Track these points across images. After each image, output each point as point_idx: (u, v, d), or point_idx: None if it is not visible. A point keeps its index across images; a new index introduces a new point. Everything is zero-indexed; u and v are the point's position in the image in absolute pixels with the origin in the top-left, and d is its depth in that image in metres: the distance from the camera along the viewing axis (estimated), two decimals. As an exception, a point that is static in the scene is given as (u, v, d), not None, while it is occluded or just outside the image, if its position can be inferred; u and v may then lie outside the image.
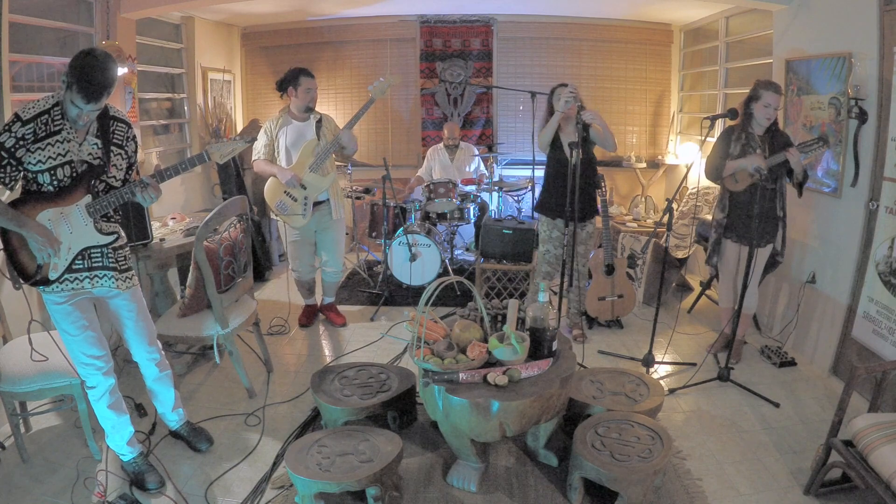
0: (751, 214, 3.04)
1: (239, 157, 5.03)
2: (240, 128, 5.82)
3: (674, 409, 3.00)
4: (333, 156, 3.68)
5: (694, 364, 3.39)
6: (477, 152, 5.37)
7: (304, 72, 3.59)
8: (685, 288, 4.72)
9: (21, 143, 2.00)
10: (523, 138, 5.85)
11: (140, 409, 2.94)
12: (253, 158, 3.70)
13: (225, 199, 4.31)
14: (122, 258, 2.33)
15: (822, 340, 3.40)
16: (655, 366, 3.41)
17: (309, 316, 4.12)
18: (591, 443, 2.30)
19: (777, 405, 3.02)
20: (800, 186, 3.13)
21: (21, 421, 2.63)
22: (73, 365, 2.38)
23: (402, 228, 4.49)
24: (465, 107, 5.84)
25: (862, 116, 3.01)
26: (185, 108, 5.09)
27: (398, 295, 4.60)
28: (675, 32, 5.71)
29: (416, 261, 4.48)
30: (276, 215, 3.71)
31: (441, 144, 5.35)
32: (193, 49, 5.00)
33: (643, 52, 5.75)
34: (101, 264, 2.26)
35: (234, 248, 3.06)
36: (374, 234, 5.01)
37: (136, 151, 2.33)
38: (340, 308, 4.23)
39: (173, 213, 3.96)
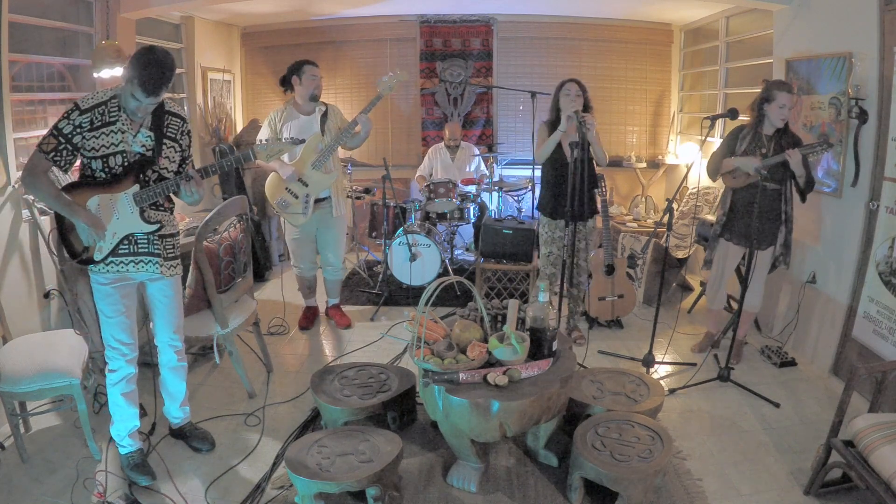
0: (751, 214, 3.03)
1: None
2: (240, 128, 5.82)
3: (674, 410, 3.00)
4: (340, 147, 3.64)
5: (694, 364, 3.39)
6: (477, 152, 5.36)
7: (307, 61, 3.59)
8: (685, 288, 4.72)
9: (78, 130, 2.13)
10: (523, 138, 5.84)
11: (140, 409, 2.94)
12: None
13: (225, 199, 4.31)
14: (171, 247, 2.44)
15: (823, 340, 3.40)
16: (655, 366, 3.41)
17: (310, 319, 4.10)
18: (592, 443, 2.30)
19: (777, 405, 3.02)
20: (801, 193, 3.09)
21: (21, 421, 2.63)
22: (76, 370, 2.41)
23: (402, 228, 4.49)
24: (465, 107, 5.84)
25: (862, 116, 3.01)
26: (185, 107, 5.08)
27: (398, 295, 4.59)
28: (675, 32, 5.71)
29: (416, 261, 4.48)
30: (277, 212, 3.70)
31: (442, 144, 5.35)
32: (193, 49, 5.00)
33: (643, 51, 5.75)
34: (146, 250, 2.35)
35: (233, 248, 3.06)
36: (374, 234, 5.01)
37: (189, 145, 2.42)
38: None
39: (173, 213, 3.95)
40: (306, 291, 4.07)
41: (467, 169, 5.30)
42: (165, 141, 2.31)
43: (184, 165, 2.41)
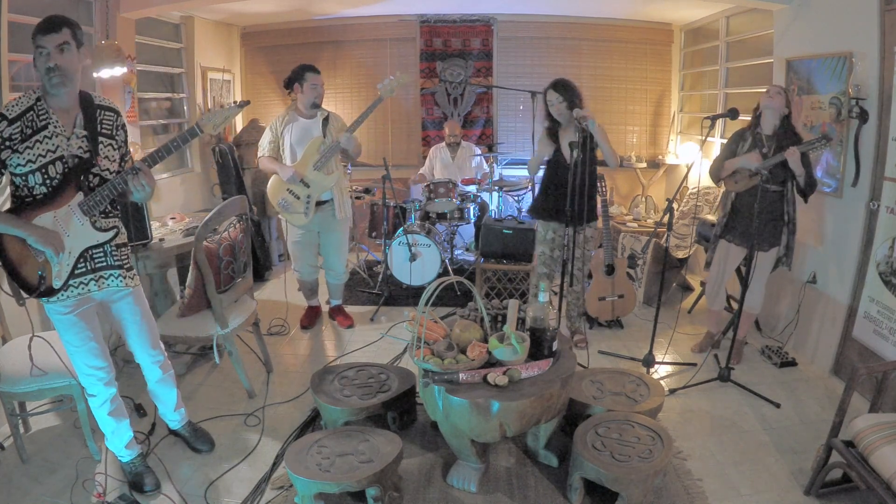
0: (752, 215, 3.03)
1: (239, 156, 5.02)
2: (239, 127, 5.82)
3: (674, 410, 2.99)
4: (339, 154, 3.65)
5: (694, 364, 3.38)
6: (478, 151, 5.36)
7: (310, 68, 3.56)
8: (685, 288, 4.72)
9: (7, 143, 1.94)
10: (523, 138, 5.84)
11: (140, 410, 2.94)
12: (258, 155, 3.70)
13: (224, 199, 4.31)
14: (125, 256, 2.28)
15: (823, 341, 3.40)
16: (656, 366, 3.41)
17: (311, 318, 4.10)
18: (592, 443, 2.29)
19: (778, 405, 3.01)
20: (803, 193, 3.07)
21: (20, 421, 2.63)
22: (75, 372, 2.36)
23: (402, 228, 4.49)
24: (465, 107, 5.84)
25: (862, 116, 3.01)
26: (185, 107, 5.08)
27: (398, 295, 4.59)
28: (675, 32, 5.71)
29: (416, 261, 4.48)
30: (278, 213, 3.70)
31: (443, 143, 5.34)
32: (193, 49, 5.00)
33: (643, 51, 5.75)
34: (105, 263, 2.19)
35: (233, 248, 3.05)
36: (374, 234, 5.00)
37: (126, 140, 2.24)
38: (340, 308, 4.22)
39: (172, 213, 3.95)
40: (308, 293, 4.07)
41: (467, 168, 5.30)
42: (101, 139, 2.10)
43: (123, 164, 2.22)
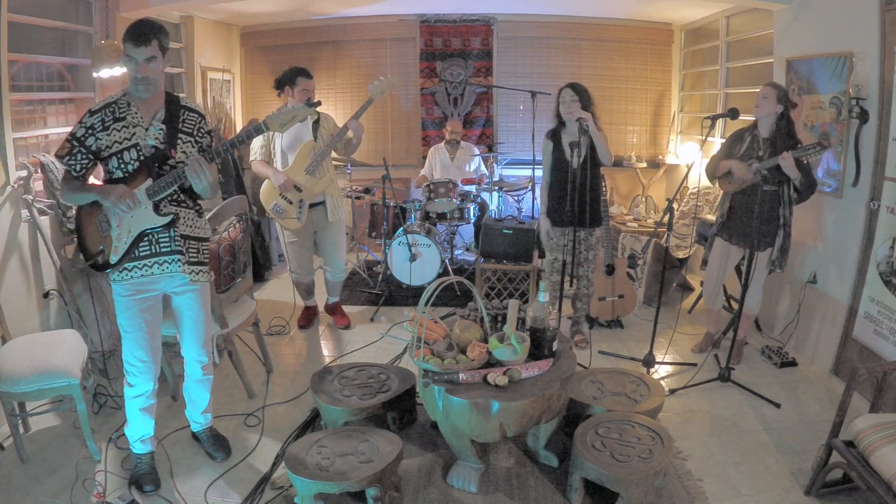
0: (750, 215, 3.02)
1: (238, 156, 5.02)
2: (239, 127, 5.82)
3: (674, 410, 2.99)
4: (334, 153, 3.63)
5: (694, 364, 3.38)
6: (477, 152, 5.36)
7: (302, 72, 3.54)
8: (686, 288, 4.71)
9: (90, 132, 2.15)
10: (523, 138, 5.83)
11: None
12: (250, 159, 3.69)
13: (224, 199, 4.30)
14: (195, 251, 2.35)
15: (823, 341, 3.40)
16: (656, 366, 3.41)
17: (308, 318, 4.10)
18: (592, 443, 2.29)
19: (778, 406, 3.01)
20: (798, 193, 3.06)
21: (20, 421, 2.62)
22: (76, 372, 2.36)
23: (401, 228, 4.49)
24: (465, 106, 5.83)
25: (863, 116, 3.01)
26: (185, 107, 5.07)
27: (398, 295, 4.59)
28: (675, 32, 5.71)
29: (416, 261, 4.48)
30: (272, 218, 3.70)
31: (442, 144, 5.34)
32: (193, 49, 4.99)
33: (643, 51, 5.75)
34: (169, 249, 2.26)
35: (233, 247, 3.05)
36: (373, 234, 5.00)
37: (210, 146, 2.33)
38: (340, 308, 4.21)
39: (173, 213, 3.95)
40: (304, 294, 4.06)
41: (467, 168, 5.30)
42: (181, 136, 2.25)
43: None
